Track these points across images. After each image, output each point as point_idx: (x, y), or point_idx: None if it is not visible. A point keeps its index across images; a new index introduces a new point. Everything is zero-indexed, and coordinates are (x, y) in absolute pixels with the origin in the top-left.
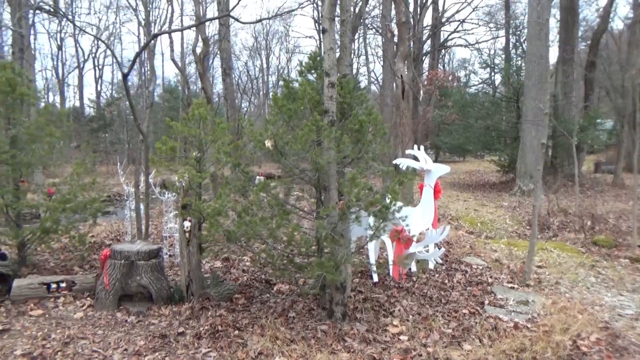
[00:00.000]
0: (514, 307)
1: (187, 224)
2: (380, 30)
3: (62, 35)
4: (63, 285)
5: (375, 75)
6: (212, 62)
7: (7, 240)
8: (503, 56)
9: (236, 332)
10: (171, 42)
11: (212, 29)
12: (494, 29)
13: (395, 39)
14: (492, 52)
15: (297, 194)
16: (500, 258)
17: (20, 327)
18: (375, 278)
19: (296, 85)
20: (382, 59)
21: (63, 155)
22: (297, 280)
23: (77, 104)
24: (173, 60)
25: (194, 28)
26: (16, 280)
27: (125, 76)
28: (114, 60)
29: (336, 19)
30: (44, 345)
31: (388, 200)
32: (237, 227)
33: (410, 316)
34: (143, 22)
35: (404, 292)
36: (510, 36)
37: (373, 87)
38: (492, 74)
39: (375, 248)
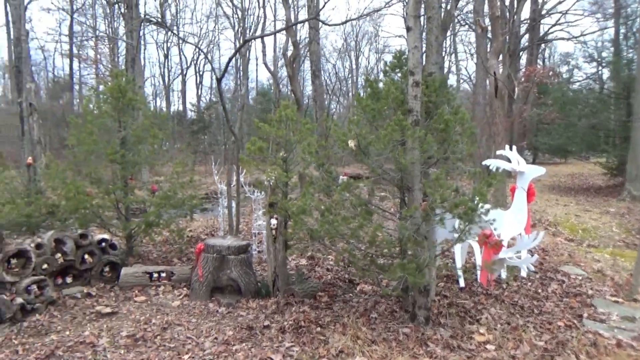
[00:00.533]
0: (617, 322)
1: (273, 221)
2: (473, 27)
3: (168, 44)
4: (163, 275)
5: (467, 73)
6: (303, 64)
7: (117, 232)
8: (612, 49)
9: (318, 328)
10: (264, 47)
11: (302, 32)
12: (602, 19)
13: (489, 35)
14: (599, 44)
15: (382, 195)
16: (603, 269)
17: (126, 310)
18: (462, 283)
19: (380, 85)
20: (475, 56)
21: (166, 155)
22: (379, 281)
23: (180, 108)
24: (265, 64)
25: (285, 32)
26: (124, 268)
27: (219, 81)
28: (212, 67)
29: (422, 17)
30: (145, 329)
31: (475, 202)
32: (320, 226)
33: (499, 325)
34: (238, 29)
35: (492, 300)
36: (620, 26)
37: (465, 86)
38: (599, 68)
39: (462, 252)
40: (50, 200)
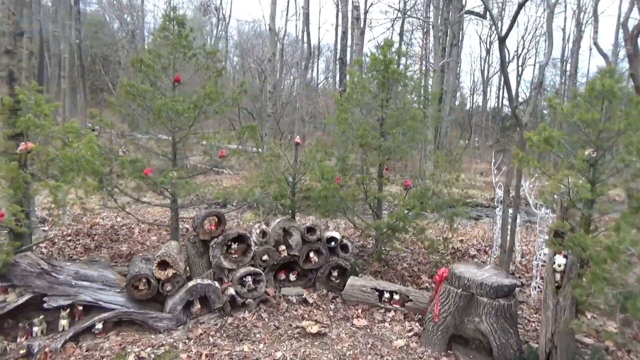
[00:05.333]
0: None
1: (560, 260)
2: None
3: (491, 39)
4: (396, 297)
5: None
6: None
7: (364, 229)
8: None
9: None
10: (595, 22)
11: None
12: None
13: None
14: None
15: None
16: None
17: (335, 336)
18: None
19: None
20: None
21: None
22: None
23: (496, 104)
24: (596, 44)
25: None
26: (351, 278)
27: (502, 40)
28: (536, 61)
29: None
30: None
31: None
32: None
33: None
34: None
35: None
36: None
37: None
38: None
39: None
40: (307, 184)
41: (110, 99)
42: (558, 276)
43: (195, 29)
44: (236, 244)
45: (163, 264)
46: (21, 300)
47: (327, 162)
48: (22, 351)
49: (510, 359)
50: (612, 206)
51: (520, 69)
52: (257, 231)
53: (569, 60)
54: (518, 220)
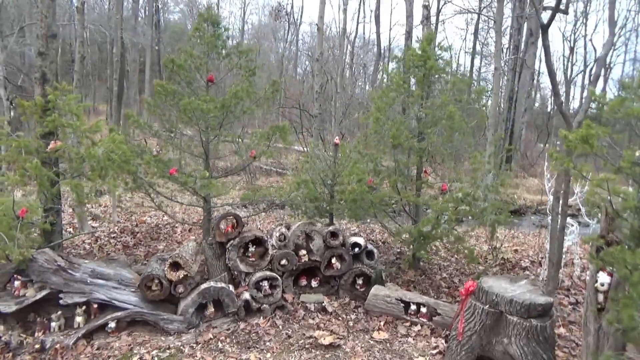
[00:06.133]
0: None
1: (604, 278)
2: None
3: (575, 36)
4: (423, 310)
5: None
6: None
7: (399, 237)
8: None
9: None
10: None
11: None
12: None
13: None
14: None
15: None
16: None
17: (349, 348)
18: None
19: None
20: None
21: (456, 146)
22: None
23: (580, 105)
24: None
25: None
26: (375, 287)
27: (544, 28)
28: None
29: None
30: None
31: None
32: None
33: None
34: None
35: None
36: None
37: None
38: None
39: None
40: (343, 187)
41: (147, 99)
42: (601, 297)
43: (267, 34)
44: (254, 247)
45: (175, 265)
46: (39, 296)
47: (365, 164)
48: (36, 346)
49: None
50: None
51: (605, 70)
52: (277, 234)
53: None
54: (577, 231)
